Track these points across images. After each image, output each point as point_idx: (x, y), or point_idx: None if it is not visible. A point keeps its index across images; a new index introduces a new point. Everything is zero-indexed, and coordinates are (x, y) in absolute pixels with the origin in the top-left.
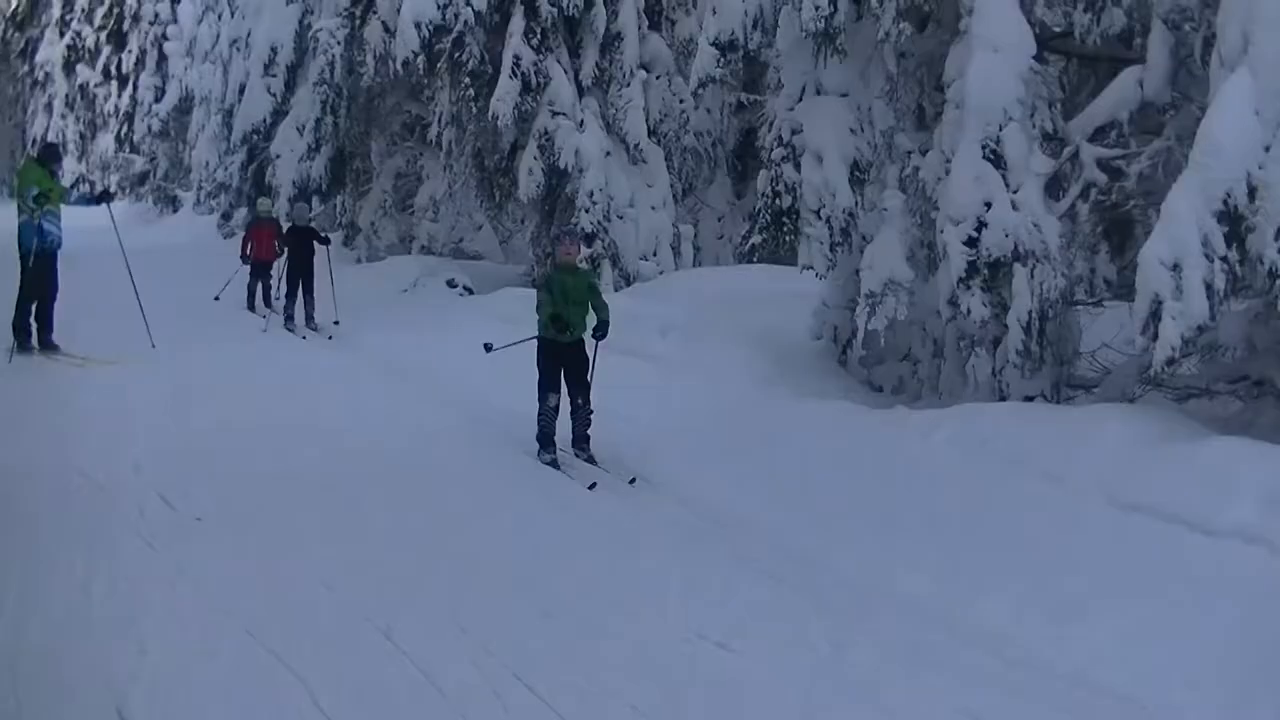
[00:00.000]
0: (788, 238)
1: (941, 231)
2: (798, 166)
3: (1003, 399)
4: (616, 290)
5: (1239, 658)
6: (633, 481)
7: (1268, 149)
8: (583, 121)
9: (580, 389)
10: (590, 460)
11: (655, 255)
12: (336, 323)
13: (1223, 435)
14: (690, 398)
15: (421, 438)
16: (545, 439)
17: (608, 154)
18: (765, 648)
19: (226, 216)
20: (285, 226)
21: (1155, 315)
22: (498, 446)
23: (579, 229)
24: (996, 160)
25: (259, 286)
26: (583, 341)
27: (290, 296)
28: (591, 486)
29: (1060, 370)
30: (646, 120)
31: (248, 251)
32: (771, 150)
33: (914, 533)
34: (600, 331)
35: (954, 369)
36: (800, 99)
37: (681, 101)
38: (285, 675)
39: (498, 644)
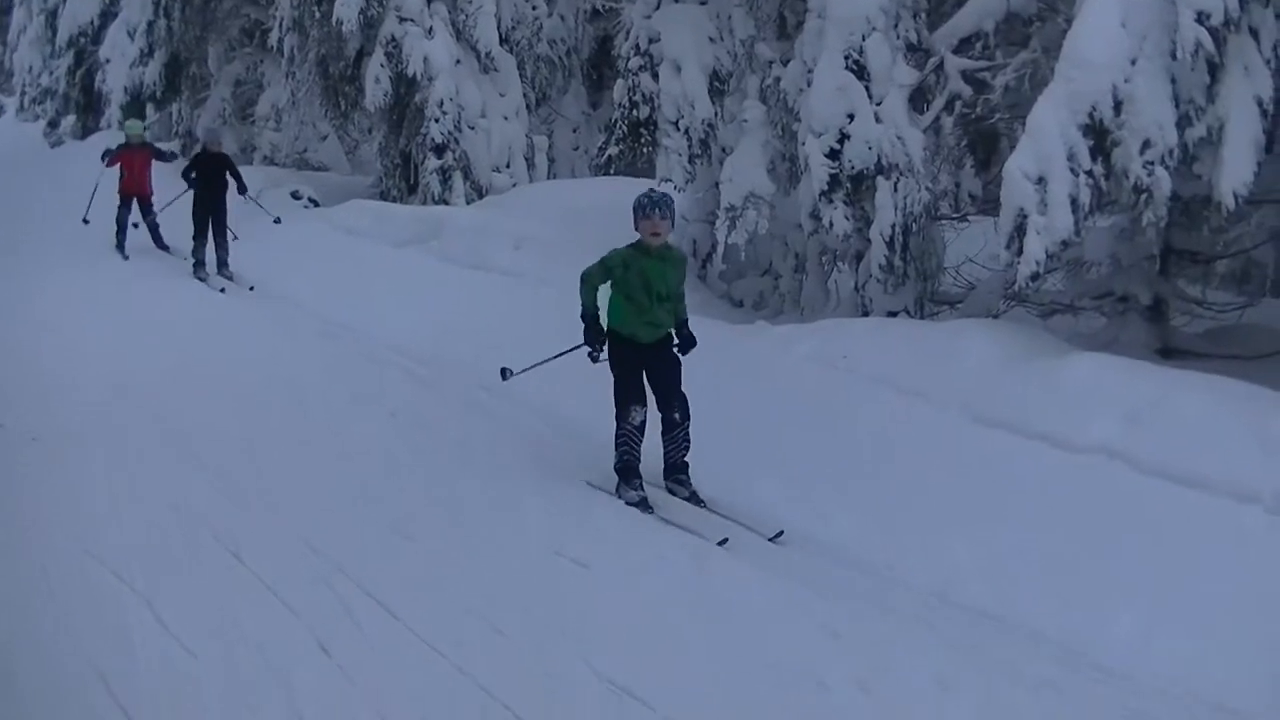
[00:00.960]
0: (645, 149)
1: (803, 144)
2: (655, 76)
3: (865, 314)
4: (469, 203)
5: (1099, 570)
6: (778, 536)
7: (1134, 62)
8: (431, 28)
9: (673, 400)
10: (695, 498)
11: (508, 167)
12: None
13: (1086, 352)
14: (542, 313)
15: (264, 349)
16: (628, 470)
17: (458, 62)
18: (624, 567)
19: (53, 124)
20: (195, 152)
21: (1020, 230)
22: (350, 360)
23: (668, 200)
24: (859, 71)
25: (131, 224)
26: (670, 336)
27: (199, 238)
28: (722, 542)
29: (924, 286)
30: (498, 27)
31: (118, 174)
32: (628, 59)
33: (773, 448)
34: (685, 341)
35: (816, 284)
36: (658, 6)
37: (534, 8)
38: (126, 593)
39: (352, 565)
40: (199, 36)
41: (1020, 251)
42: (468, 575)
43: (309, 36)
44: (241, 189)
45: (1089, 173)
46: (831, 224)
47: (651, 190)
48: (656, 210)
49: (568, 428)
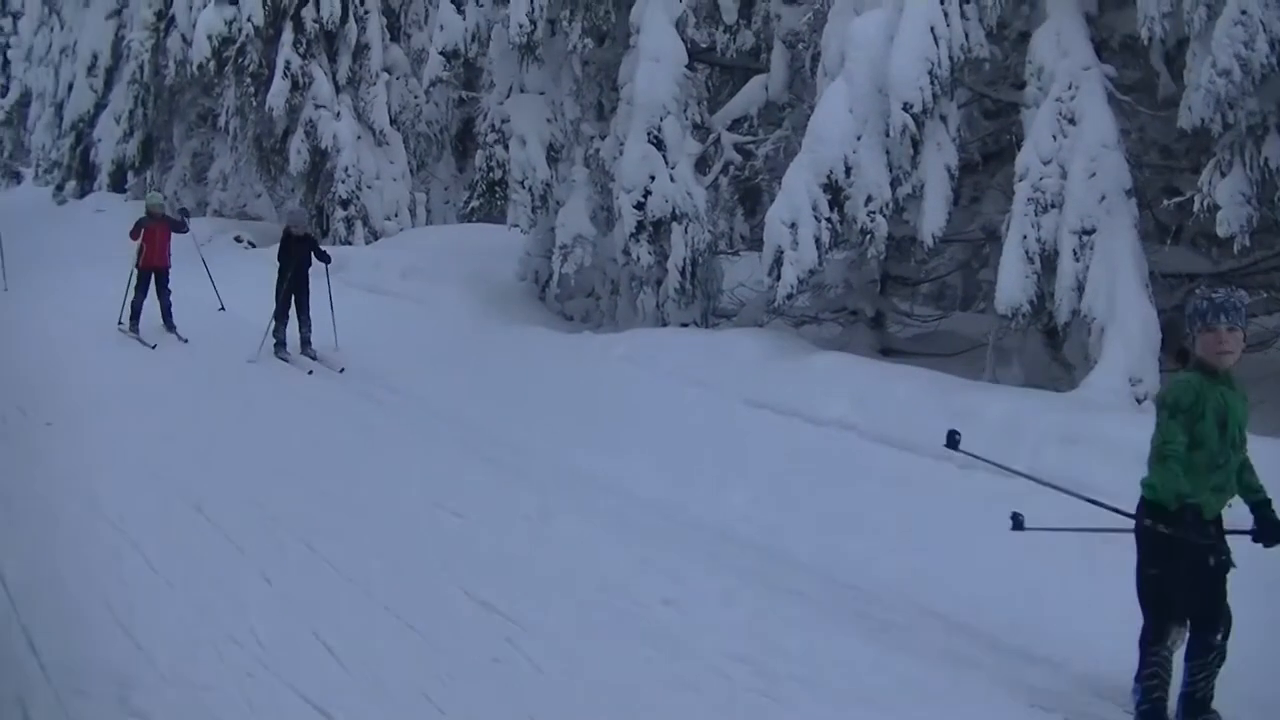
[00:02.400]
0: (499, 202)
1: (617, 198)
2: (506, 147)
3: (664, 325)
4: (367, 243)
5: (836, 503)
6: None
7: (859, 138)
8: (339, 113)
9: (1219, 613)
10: None
11: (396, 216)
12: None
13: (827, 351)
14: (424, 325)
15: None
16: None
17: (359, 138)
18: (490, 516)
19: (59, 188)
20: (284, 231)
21: (778, 262)
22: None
23: (1240, 302)
24: (658, 144)
25: (144, 301)
26: (1220, 519)
27: (280, 317)
28: None
29: (708, 303)
30: (389, 112)
31: (134, 240)
32: (486, 135)
33: (597, 426)
34: (1269, 527)
35: (627, 303)
36: (508, 95)
37: (416, 98)
38: (122, 540)
39: (284, 516)
40: (167, 120)
41: (779, 278)
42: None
43: (248, 120)
44: (325, 259)
45: (828, 219)
46: (639, 258)
47: (1212, 291)
48: (1223, 317)
49: (447, 412)
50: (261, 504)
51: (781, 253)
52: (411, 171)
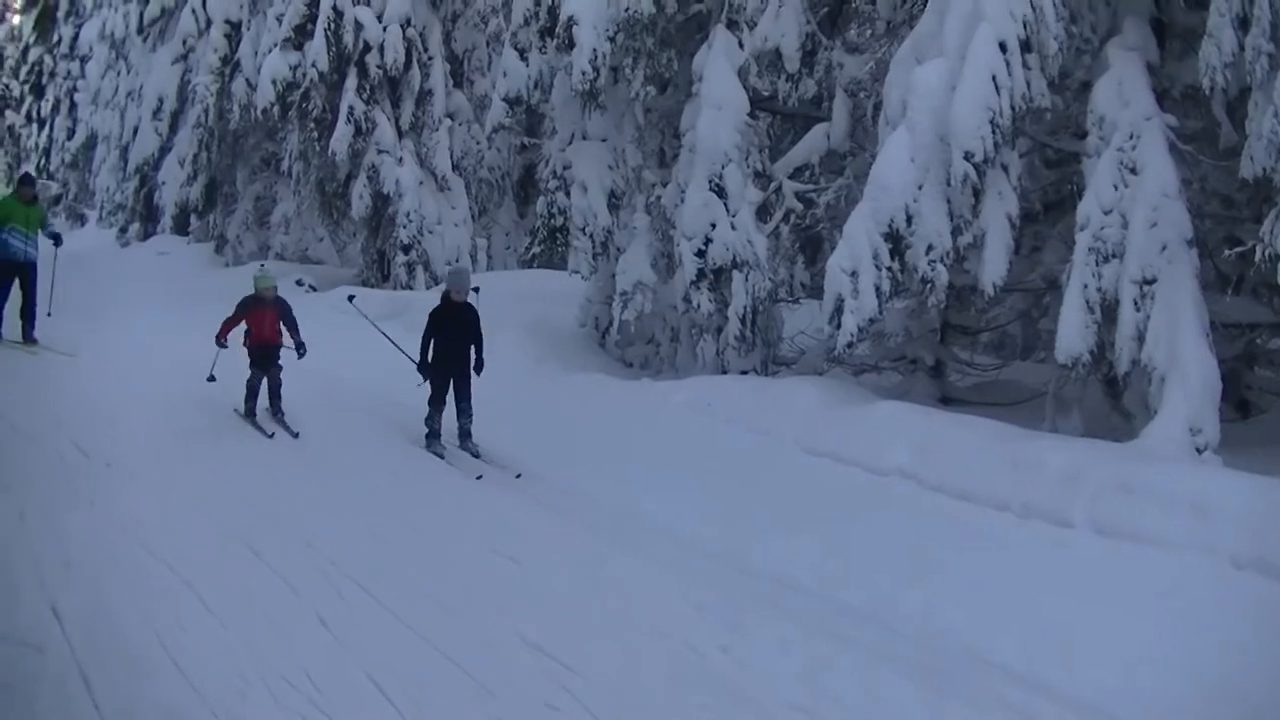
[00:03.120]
0: (560, 249)
1: (678, 245)
2: (568, 194)
3: (724, 373)
4: (428, 288)
5: (894, 551)
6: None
7: (920, 187)
8: (402, 158)
9: None
10: None
11: (457, 261)
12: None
13: (886, 400)
14: (485, 373)
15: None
16: None
17: (421, 183)
18: (546, 562)
19: (123, 230)
20: (441, 297)
21: (838, 310)
22: (339, 396)
23: None
24: (719, 191)
25: (262, 382)
26: None
27: (435, 403)
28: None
29: (767, 351)
30: (451, 157)
31: (226, 336)
32: (548, 181)
33: (656, 472)
34: None
35: (687, 350)
36: (570, 142)
37: (478, 143)
38: (176, 580)
39: (341, 559)
40: (230, 164)
41: (839, 326)
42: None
43: (311, 164)
44: (479, 361)
45: (889, 268)
46: (699, 305)
47: None
48: None
49: (505, 458)
50: (317, 547)
51: (842, 301)
52: (473, 217)
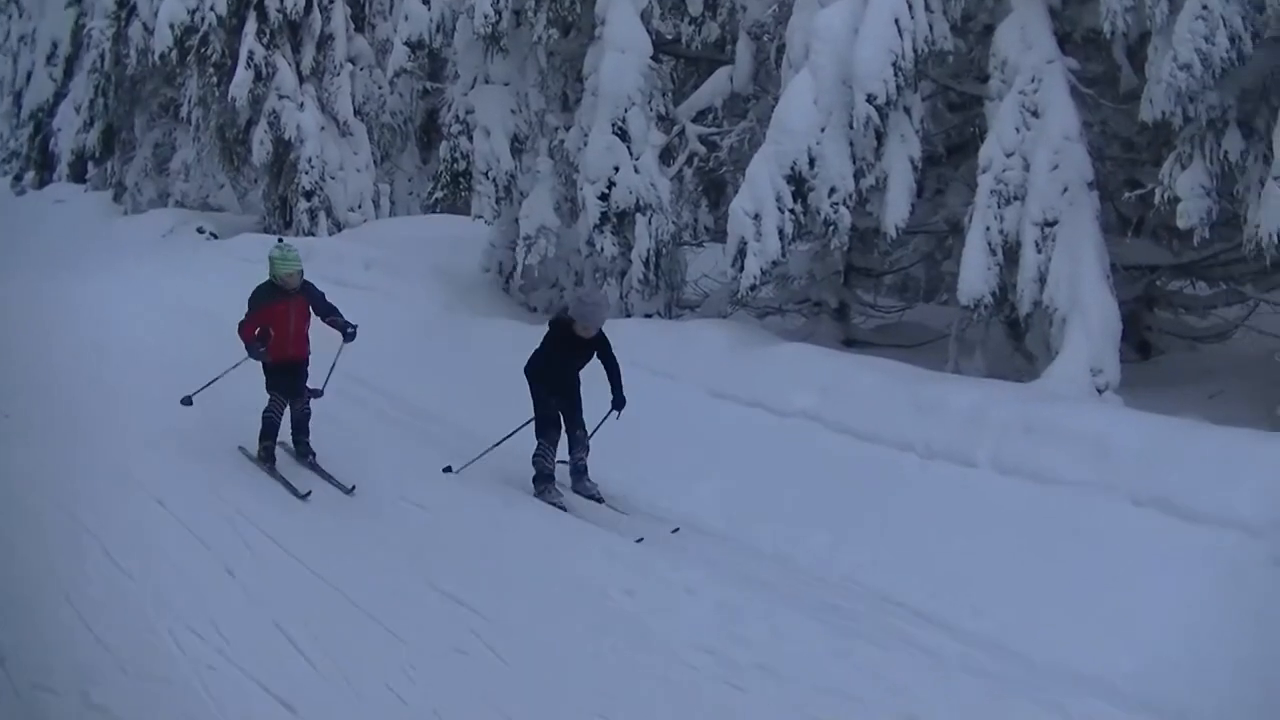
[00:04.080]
0: (463, 194)
1: (581, 189)
2: (470, 139)
3: (628, 316)
4: (330, 235)
5: (800, 494)
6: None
7: (823, 130)
8: (303, 104)
9: None
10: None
11: (360, 207)
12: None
13: (791, 342)
14: (387, 317)
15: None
16: None
17: (323, 129)
18: (454, 507)
19: (18, 178)
20: (553, 320)
21: (742, 253)
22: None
23: None
24: (623, 135)
25: (283, 413)
26: None
27: (548, 431)
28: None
29: (671, 294)
30: (353, 102)
31: (255, 336)
32: (450, 126)
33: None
34: None
35: None
36: (473, 86)
37: (380, 88)
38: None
39: (247, 508)
40: (128, 111)
41: (742, 269)
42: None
43: (211, 110)
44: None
45: (792, 210)
46: (603, 249)
47: None
48: None
49: (410, 404)
50: (225, 499)
51: (745, 244)
52: (376, 163)
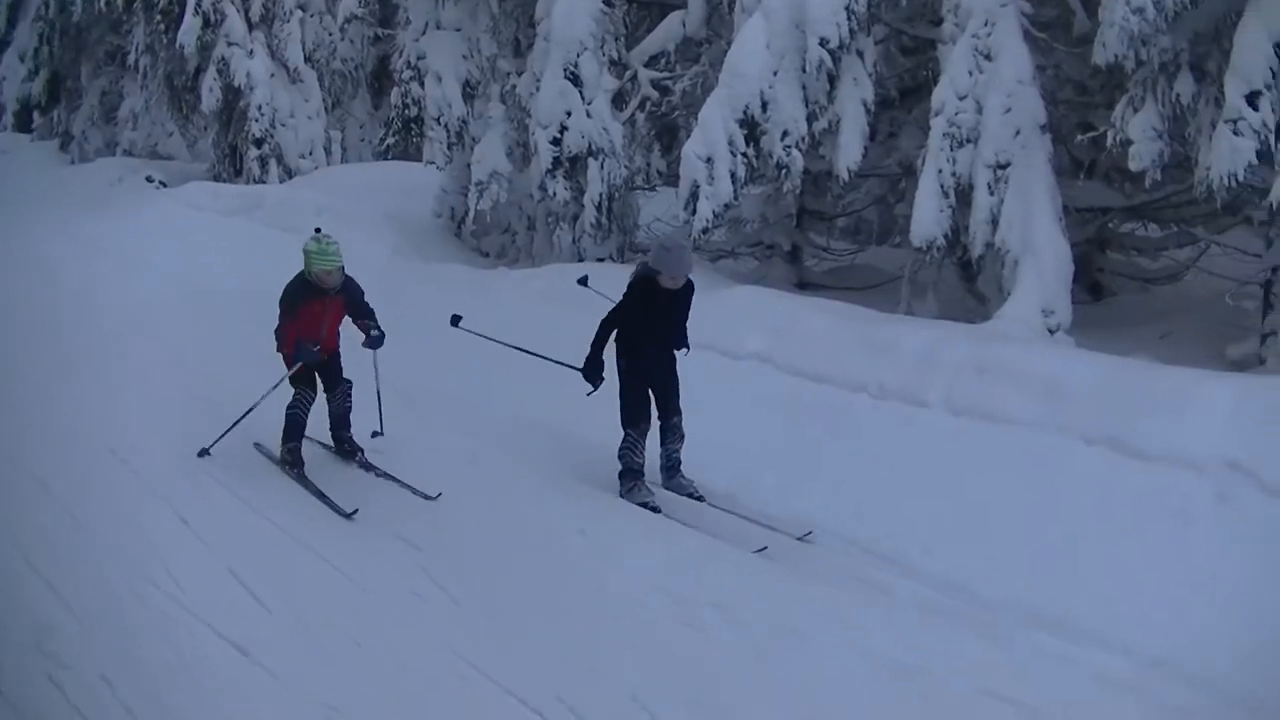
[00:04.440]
0: (415, 140)
1: (533, 134)
2: (422, 84)
3: (580, 261)
4: (281, 182)
5: (752, 435)
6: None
7: (776, 74)
8: (253, 50)
9: None
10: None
11: (311, 154)
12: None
13: (743, 285)
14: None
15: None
16: None
17: (272, 76)
18: (405, 451)
19: None
20: (631, 282)
21: (694, 196)
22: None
23: None
24: (575, 80)
25: (310, 409)
26: None
27: (634, 422)
28: None
29: (624, 238)
30: (303, 49)
31: (293, 351)
32: (402, 72)
33: (512, 360)
34: None
35: (543, 239)
36: (424, 32)
37: (331, 35)
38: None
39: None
40: (73, 59)
41: (695, 212)
42: None
43: (158, 57)
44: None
45: (744, 154)
46: (555, 193)
47: None
48: None
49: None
50: (179, 445)
51: (697, 187)
52: (326, 110)
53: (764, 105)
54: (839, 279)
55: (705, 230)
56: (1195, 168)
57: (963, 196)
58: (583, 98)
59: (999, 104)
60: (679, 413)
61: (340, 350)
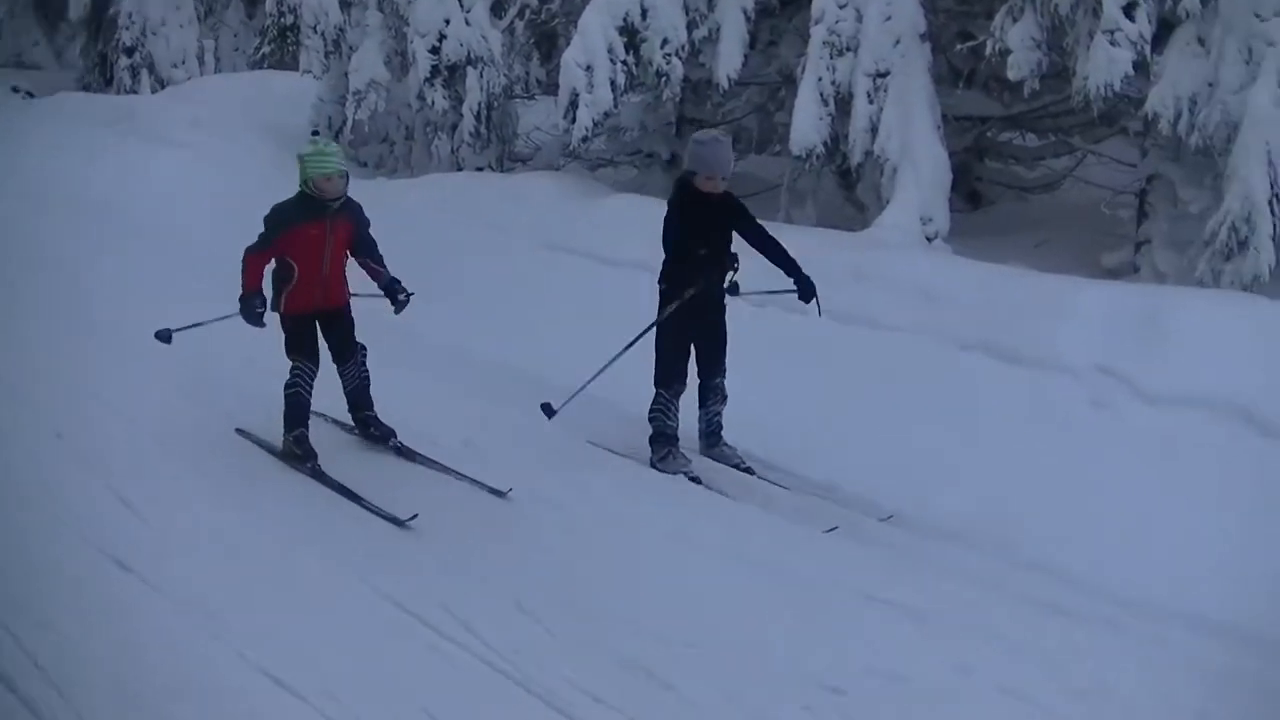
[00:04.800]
0: (290, 48)
1: (411, 43)
2: None
3: (459, 170)
4: (153, 93)
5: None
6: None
7: None
8: None
9: None
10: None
11: (184, 64)
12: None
13: (623, 193)
14: (214, 177)
15: None
16: None
17: None
18: (274, 364)
19: None
20: (675, 187)
21: (574, 104)
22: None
23: None
24: None
25: (315, 378)
26: None
27: (669, 381)
28: None
29: (503, 148)
30: None
31: (259, 289)
32: None
33: (397, 264)
34: None
35: (422, 148)
36: None
37: None
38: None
39: (140, 415)
40: None
41: (574, 121)
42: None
43: None
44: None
45: (624, 62)
46: (433, 103)
47: None
48: None
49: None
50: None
51: (577, 95)
52: (199, 18)
53: (644, 12)
54: None
55: (584, 139)
56: (1073, 78)
57: (842, 105)
58: (461, 5)
59: (879, 12)
60: (724, 371)
61: (349, 306)
